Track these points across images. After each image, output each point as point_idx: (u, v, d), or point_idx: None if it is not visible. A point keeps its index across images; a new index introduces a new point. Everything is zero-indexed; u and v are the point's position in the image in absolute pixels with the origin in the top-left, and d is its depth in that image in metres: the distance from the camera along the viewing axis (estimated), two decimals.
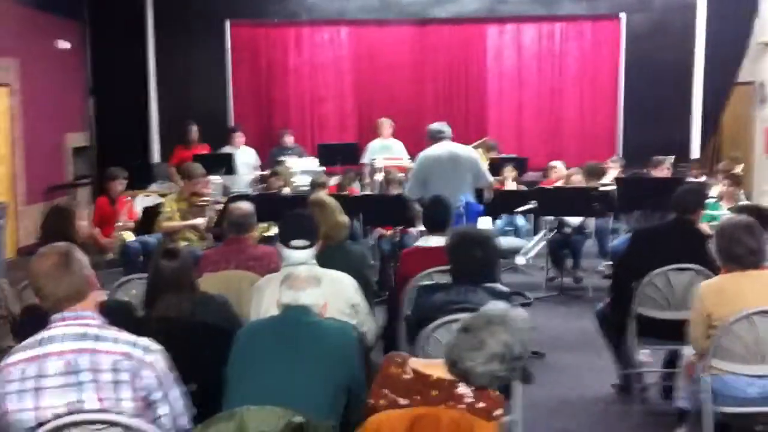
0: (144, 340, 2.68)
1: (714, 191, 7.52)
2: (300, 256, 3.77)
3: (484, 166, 6.93)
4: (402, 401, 2.51)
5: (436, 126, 6.89)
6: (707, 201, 7.05)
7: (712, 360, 3.67)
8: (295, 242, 3.79)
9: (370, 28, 12.39)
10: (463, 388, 2.47)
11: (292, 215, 4.10)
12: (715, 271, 3.95)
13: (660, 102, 11.69)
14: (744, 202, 6.88)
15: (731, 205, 6.80)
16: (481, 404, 2.46)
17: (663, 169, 8.54)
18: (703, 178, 9.06)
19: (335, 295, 3.68)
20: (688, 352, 4.01)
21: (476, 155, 6.88)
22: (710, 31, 11.80)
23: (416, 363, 2.60)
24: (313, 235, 3.87)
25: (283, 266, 3.80)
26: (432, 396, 2.48)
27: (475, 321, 2.52)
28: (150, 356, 2.64)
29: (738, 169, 8.59)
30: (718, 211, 6.86)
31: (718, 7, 11.76)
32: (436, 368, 2.56)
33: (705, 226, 6.26)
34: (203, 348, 3.32)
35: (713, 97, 12.08)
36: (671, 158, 9.13)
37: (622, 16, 12.03)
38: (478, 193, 6.97)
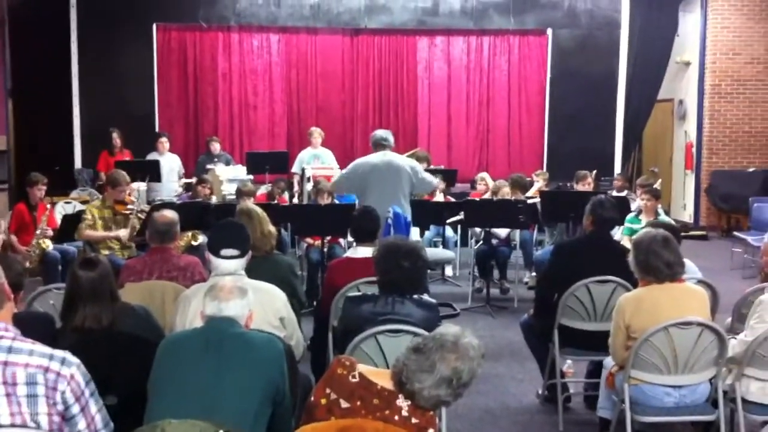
0: (61, 353, 2.59)
1: (634, 205, 7.73)
2: (230, 266, 3.69)
3: (424, 172, 6.91)
4: (344, 404, 2.52)
5: (380, 133, 6.86)
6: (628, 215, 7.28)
7: (631, 370, 3.76)
8: (226, 251, 3.71)
9: (301, 35, 12.37)
10: (402, 401, 2.49)
11: (223, 224, 4.02)
12: (635, 283, 4.05)
13: (584, 116, 12.00)
14: (663, 217, 7.09)
15: (650, 218, 6.99)
16: (415, 420, 2.48)
17: (586, 183, 8.75)
18: (624, 192, 9.30)
19: (263, 307, 3.63)
20: (609, 362, 4.10)
21: (415, 163, 6.87)
22: (633, 49, 12.18)
23: (364, 369, 2.61)
24: (246, 245, 3.80)
25: (212, 276, 3.72)
26: (373, 404, 2.49)
27: (428, 343, 2.53)
28: (67, 369, 2.56)
29: (657, 183, 8.85)
30: (638, 224, 7.06)
31: (641, 26, 12.16)
32: (382, 377, 2.57)
33: (626, 240, 6.46)
34: (123, 360, 3.23)
35: (635, 112, 12.47)
36: (594, 172, 9.37)
37: (549, 31, 12.31)
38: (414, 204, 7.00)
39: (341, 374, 2.58)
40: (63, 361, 2.56)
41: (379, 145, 6.71)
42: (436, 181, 7.19)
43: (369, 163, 6.62)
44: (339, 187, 6.82)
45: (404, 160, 6.72)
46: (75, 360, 2.61)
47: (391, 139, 6.83)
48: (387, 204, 6.16)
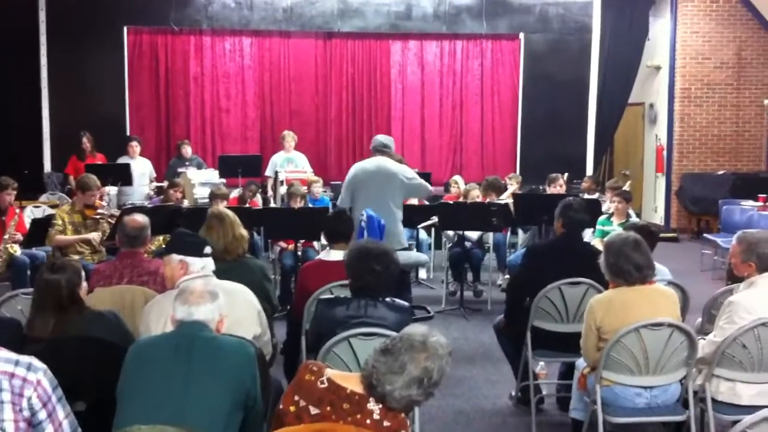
0: (27, 358, 2.55)
1: (605, 207, 7.79)
2: (210, 264, 3.74)
3: (418, 177, 6.85)
4: (313, 410, 2.50)
5: (381, 139, 6.79)
6: (599, 217, 7.33)
7: (602, 372, 3.78)
8: (208, 249, 3.75)
9: (274, 39, 12.34)
10: (372, 405, 2.48)
11: (184, 231, 3.98)
12: (606, 284, 4.08)
13: (557, 120, 12.08)
14: (634, 219, 7.15)
15: (622, 221, 7.05)
16: (387, 423, 2.47)
17: (558, 186, 8.80)
18: (596, 195, 9.37)
19: (242, 303, 3.63)
20: (581, 364, 4.12)
21: (408, 170, 6.79)
22: (604, 53, 12.29)
23: (332, 373, 2.59)
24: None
25: (194, 275, 3.66)
26: (343, 408, 2.48)
27: (396, 344, 2.52)
28: (33, 375, 2.52)
29: (626, 185, 8.93)
30: (610, 226, 7.11)
31: (612, 30, 12.28)
32: (351, 381, 2.55)
33: (598, 242, 6.50)
34: (92, 366, 3.20)
35: (607, 116, 12.58)
36: (566, 175, 9.43)
37: (521, 36, 12.38)
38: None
39: (309, 380, 2.56)
40: (29, 367, 2.53)
41: (378, 151, 6.66)
42: (430, 187, 7.11)
43: (361, 168, 6.62)
44: (342, 200, 6.74)
45: (397, 166, 6.64)
46: (41, 365, 2.57)
47: (392, 146, 6.78)
48: (378, 209, 6.17)
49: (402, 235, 6.72)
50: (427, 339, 2.52)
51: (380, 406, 2.48)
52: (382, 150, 6.66)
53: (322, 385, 2.53)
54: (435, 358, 2.50)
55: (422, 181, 6.86)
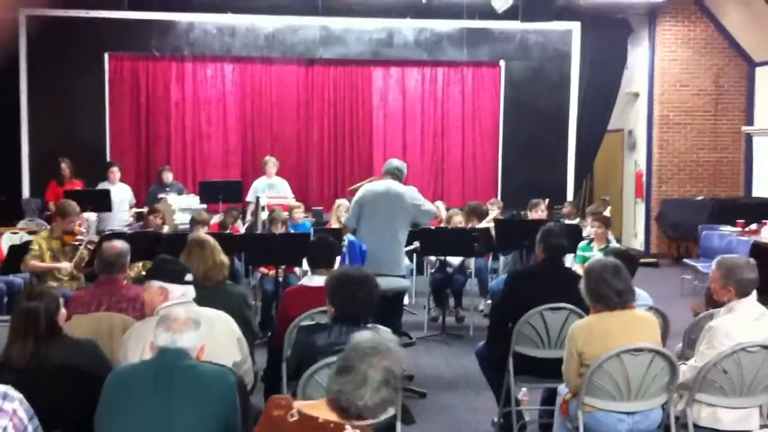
0: (2, 387, 2.52)
1: (586, 233, 7.83)
2: (191, 291, 3.72)
3: (426, 202, 6.74)
4: None
5: (395, 163, 6.57)
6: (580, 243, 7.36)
7: (584, 397, 3.77)
8: (189, 276, 3.73)
9: (256, 65, 12.36)
10: (350, 430, 2.45)
11: (167, 257, 3.96)
12: (588, 309, 4.09)
13: (537, 146, 12.16)
14: (614, 245, 7.18)
15: (602, 246, 7.09)
16: None
17: (539, 211, 8.85)
18: (576, 220, 9.42)
19: (223, 329, 3.60)
20: (563, 389, 4.11)
21: (416, 194, 6.57)
22: (583, 80, 12.42)
23: (301, 405, 2.55)
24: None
25: (171, 303, 3.63)
26: None
27: (350, 359, 2.50)
28: (9, 404, 2.49)
29: (606, 211, 8.98)
30: (590, 252, 7.14)
31: (591, 58, 12.42)
32: (320, 409, 2.51)
33: (579, 267, 6.52)
34: (69, 394, 3.15)
35: (586, 142, 12.68)
36: (547, 200, 9.48)
37: (502, 63, 12.49)
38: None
39: (279, 416, 2.51)
40: (5, 396, 2.49)
41: (391, 174, 6.48)
42: (435, 209, 6.99)
43: (370, 189, 6.51)
44: (348, 220, 6.63)
45: (404, 189, 6.53)
46: (17, 395, 2.53)
47: (405, 170, 6.59)
48: (379, 230, 6.13)
49: (400, 261, 6.43)
50: (375, 341, 2.52)
51: (358, 430, 2.45)
52: (394, 173, 6.53)
53: (293, 419, 2.49)
54: (390, 355, 2.49)
55: (431, 207, 6.69)
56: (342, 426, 2.46)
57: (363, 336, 2.56)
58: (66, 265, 6.76)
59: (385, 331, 2.60)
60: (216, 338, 3.50)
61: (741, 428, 3.71)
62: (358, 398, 2.43)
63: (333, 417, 2.47)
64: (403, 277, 6.44)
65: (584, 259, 6.80)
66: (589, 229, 7.65)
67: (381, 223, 6.25)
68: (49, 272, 6.74)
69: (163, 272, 3.70)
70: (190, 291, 3.71)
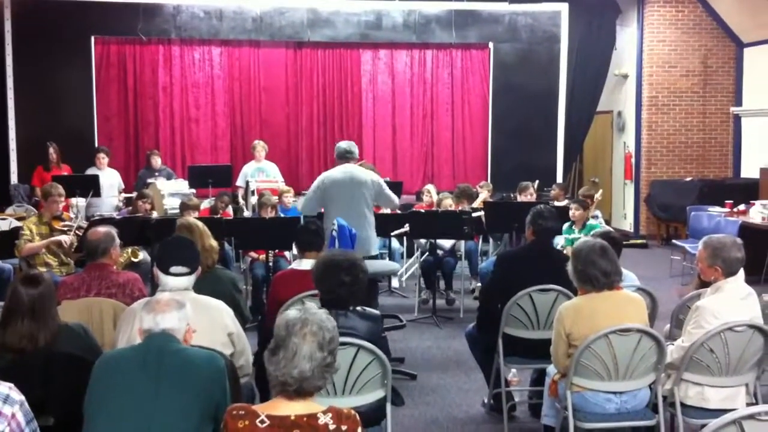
0: (5, 389, 2.49)
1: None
2: (179, 283, 3.63)
3: (387, 189, 6.84)
4: None
5: (344, 146, 6.78)
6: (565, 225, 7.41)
7: (573, 378, 3.80)
8: (175, 269, 3.65)
9: (244, 49, 12.28)
10: (323, 418, 2.45)
11: (172, 240, 3.96)
12: (576, 291, 4.11)
13: (526, 128, 12.16)
14: (592, 223, 7.25)
15: (580, 228, 7.15)
16: (344, 427, 2.46)
17: (528, 194, 8.86)
18: (565, 202, 9.44)
19: (211, 324, 3.59)
20: (552, 370, 4.14)
21: (378, 178, 6.79)
22: (572, 62, 12.41)
23: (264, 408, 2.51)
24: (195, 262, 3.74)
25: (158, 292, 3.64)
26: None
27: (279, 338, 2.51)
28: (9, 408, 2.47)
29: (598, 194, 9.01)
30: (573, 234, 7.19)
31: (580, 40, 12.40)
32: (283, 406, 2.49)
33: (568, 250, 6.54)
34: (60, 379, 3.15)
35: (576, 124, 12.69)
36: (536, 183, 9.50)
37: (491, 45, 12.46)
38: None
39: (245, 426, 2.45)
40: (6, 399, 2.46)
41: (343, 157, 6.66)
42: (398, 200, 7.12)
43: (330, 178, 6.57)
44: (306, 207, 6.71)
45: (367, 174, 6.64)
46: (18, 398, 2.51)
47: (356, 151, 6.77)
48: (351, 217, 6.16)
49: (372, 242, 6.68)
50: (300, 315, 2.53)
51: (330, 415, 2.46)
52: (346, 156, 6.66)
53: (263, 425, 2.45)
54: (314, 322, 2.51)
55: (390, 193, 6.83)
56: (314, 416, 2.45)
57: (290, 314, 2.56)
58: (65, 238, 6.75)
59: (311, 306, 2.61)
60: (212, 328, 3.52)
61: (727, 406, 3.74)
62: (299, 374, 2.43)
63: (304, 412, 2.46)
64: (376, 257, 6.60)
65: (571, 242, 6.83)
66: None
67: (349, 209, 6.35)
68: (38, 257, 6.73)
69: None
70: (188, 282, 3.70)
